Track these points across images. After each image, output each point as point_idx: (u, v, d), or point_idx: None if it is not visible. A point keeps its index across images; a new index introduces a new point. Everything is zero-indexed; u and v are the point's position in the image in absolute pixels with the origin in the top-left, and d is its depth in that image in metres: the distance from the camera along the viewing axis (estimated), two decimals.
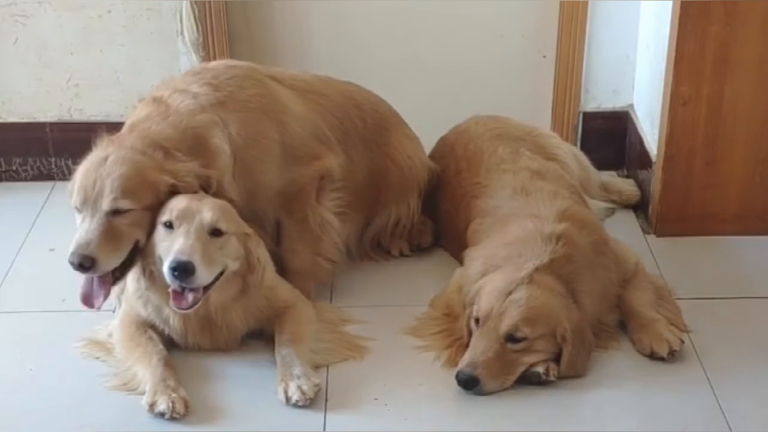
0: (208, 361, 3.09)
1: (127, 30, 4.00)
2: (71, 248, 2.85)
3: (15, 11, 3.98)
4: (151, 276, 2.96)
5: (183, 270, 2.78)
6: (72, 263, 2.85)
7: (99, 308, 2.97)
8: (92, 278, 2.92)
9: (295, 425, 2.84)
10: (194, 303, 2.86)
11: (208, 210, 2.87)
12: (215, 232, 2.87)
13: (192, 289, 2.84)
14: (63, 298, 3.39)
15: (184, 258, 2.78)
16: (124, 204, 2.88)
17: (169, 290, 2.87)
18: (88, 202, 2.89)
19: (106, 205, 2.87)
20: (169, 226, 2.87)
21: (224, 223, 2.89)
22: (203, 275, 2.82)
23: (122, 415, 2.89)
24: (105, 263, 2.87)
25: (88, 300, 2.94)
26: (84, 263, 2.84)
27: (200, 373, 3.04)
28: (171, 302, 2.88)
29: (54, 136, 4.14)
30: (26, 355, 3.14)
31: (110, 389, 2.98)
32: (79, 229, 2.90)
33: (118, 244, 2.89)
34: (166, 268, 2.81)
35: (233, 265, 2.94)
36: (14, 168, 4.19)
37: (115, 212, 2.88)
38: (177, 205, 2.88)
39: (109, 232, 2.87)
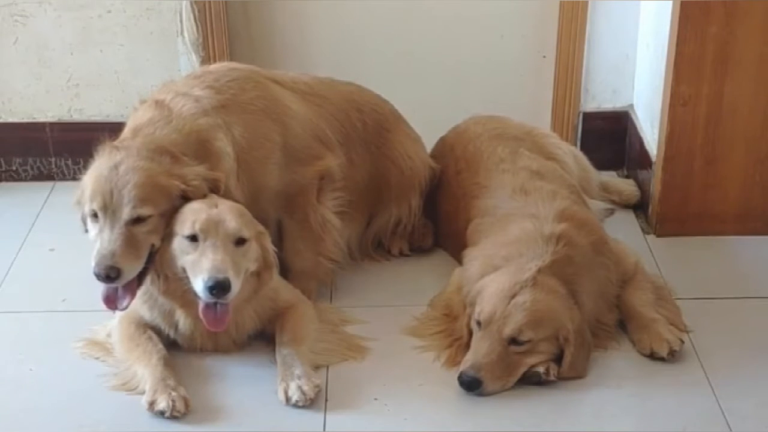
0: (208, 361, 3.09)
1: (127, 30, 4.00)
2: (95, 260, 2.85)
3: (15, 11, 3.98)
4: (166, 281, 2.96)
5: (221, 288, 2.79)
6: (98, 275, 2.85)
7: (124, 309, 2.98)
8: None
9: (295, 425, 2.84)
10: (227, 318, 2.88)
11: (230, 219, 2.87)
12: (240, 241, 2.88)
13: (223, 303, 2.85)
14: (63, 298, 3.40)
15: (221, 276, 2.79)
16: (144, 211, 2.88)
17: (200, 313, 2.87)
18: (106, 213, 2.89)
19: (126, 214, 2.87)
20: (193, 238, 2.86)
21: (246, 229, 2.90)
22: (236, 288, 2.83)
23: (122, 415, 2.89)
24: (129, 272, 2.88)
25: (111, 302, 2.94)
26: (110, 274, 2.85)
27: (200, 373, 3.04)
28: (206, 324, 2.88)
29: (54, 136, 4.14)
30: (26, 355, 3.14)
31: (110, 389, 2.98)
32: (98, 240, 2.90)
33: (139, 252, 2.89)
34: (201, 286, 2.80)
35: (252, 266, 2.94)
36: (14, 168, 4.19)
37: (134, 221, 2.88)
38: (198, 216, 2.87)
39: (130, 241, 2.87)
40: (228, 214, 2.89)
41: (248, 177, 3.15)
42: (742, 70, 3.53)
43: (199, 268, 2.83)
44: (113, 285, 2.90)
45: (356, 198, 3.49)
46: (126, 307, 2.96)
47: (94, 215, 2.92)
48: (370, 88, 3.66)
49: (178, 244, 2.89)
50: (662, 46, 3.65)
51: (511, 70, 4.20)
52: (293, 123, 3.27)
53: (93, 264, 2.85)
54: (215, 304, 2.85)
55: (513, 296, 2.95)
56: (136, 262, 2.89)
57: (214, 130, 3.08)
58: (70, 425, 2.86)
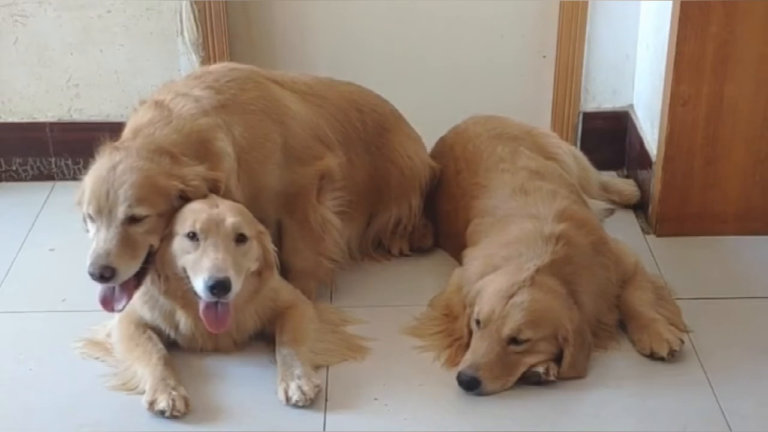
0: (208, 361, 3.09)
1: (127, 30, 4.00)
2: (90, 259, 2.85)
3: (15, 11, 3.98)
4: (167, 282, 2.96)
5: (222, 287, 2.78)
6: (92, 274, 2.85)
7: (120, 311, 2.98)
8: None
9: (295, 425, 2.85)
10: (228, 319, 2.88)
11: (230, 217, 2.87)
12: (240, 239, 2.88)
13: (223, 303, 2.85)
14: (63, 298, 3.40)
15: (221, 275, 2.78)
16: (140, 211, 2.88)
17: (201, 313, 2.86)
18: (103, 212, 2.89)
19: (121, 213, 2.87)
20: (193, 237, 2.86)
21: (246, 228, 2.90)
22: (237, 288, 2.83)
23: (122, 415, 2.89)
24: (124, 272, 2.87)
25: (107, 304, 2.94)
26: (104, 273, 2.84)
27: (200, 373, 3.05)
28: (206, 325, 2.88)
29: (54, 136, 4.14)
30: (26, 355, 3.14)
31: (110, 389, 2.98)
32: (95, 239, 2.90)
33: (136, 252, 2.89)
34: (202, 286, 2.80)
35: (253, 266, 2.94)
36: (14, 168, 4.19)
37: (130, 221, 2.88)
38: (198, 215, 2.87)
39: (126, 241, 2.87)
40: (228, 212, 2.89)
41: (248, 177, 3.15)
42: (742, 70, 3.53)
43: (199, 267, 2.83)
44: (108, 285, 2.90)
45: (356, 198, 3.49)
46: (122, 309, 2.96)
47: (94, 214, 2.92)
48: (370, 88, 3.66)
49: (179, 243, 2.89)
50: (662, 46, 3.65)
51: (511, 70, 4.20)
52: (293, 123, 3.27)
53: (88, 263, 2.85)
54: (216, 303, 2.84)
55: (511, 296, 2.95)
56: (132, 262, 2.89)
57: (214, 130, 3.08)
58: (70, 425, 2.86)
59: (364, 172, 3.53)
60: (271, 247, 3.01)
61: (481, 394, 2.92)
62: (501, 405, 2.91)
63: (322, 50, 4.15)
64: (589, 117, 4.18)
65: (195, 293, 2.86)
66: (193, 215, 2.88)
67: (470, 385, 2.91)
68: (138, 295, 3.03)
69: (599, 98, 4.17)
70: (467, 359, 2.95)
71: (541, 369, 2.96)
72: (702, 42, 3.50)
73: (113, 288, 2.92)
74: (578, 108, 4.16)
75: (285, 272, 3.26)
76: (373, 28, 4.14)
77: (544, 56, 4.15)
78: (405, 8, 4.11)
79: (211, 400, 2.94)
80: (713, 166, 3.67)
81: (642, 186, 3.93)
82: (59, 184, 4.14)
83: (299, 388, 2.88)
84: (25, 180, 4.20)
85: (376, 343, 3.18)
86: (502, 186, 3.39)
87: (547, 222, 3.14)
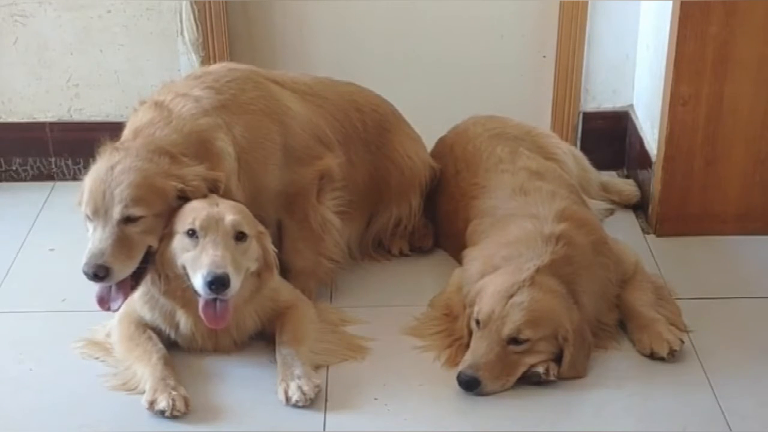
0: (208, 361, 3.09)
1: (127, 30, 4.00)
2: (85, 259, 2.85)
3: (15, 11, 3.98)
4: (167, 281, 2.96)
5: (220, 283, 2.78)
6: (86, 273, 2.85)
7: (116, 310, 2.98)
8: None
9: (295, 425, 2.85)
10: (227, 316, 2.87)
11: (230, 215, 2.87)
12: (239, 236, 2.88)
13: (222, 300, 2.85)
14: (63, 298, 3.40)
15: (220, 272, 2.78)
16: (135, 211, 2.88)
17: (200, 310, 2.86)
18: (99, 212, 2.89)
19: (117, 213, 2.87)
20: (192, 234, 2.87)
21: (246, 226, 2.90)
22: (236, 285, 2.83)
23: (122, 415, 2.89)
24: (119, 272, 2.88)
25: (104, 303, 2.94)
26: (99, 273, 2.85)
27: (200, 373, 3.05)
28: (205, 321, 2.88)
29: (54, 136, 4.14)
30: (26, 355, 3.14)
31: (110, 389, 2.98)
32: (91, 239, 2.90)
33: (132, 252, 2.89)
34: (200, 282, 2.80)
35: (253, 266, 2.94)
36: (14, 168, 4.19)
37: (126, 220, 2.88)
38: (198, 213, 2.87)
39: (122, 241, 2.87)
40: (228, 211, 2.89)
41: (248, 177, 3.15)
42: (742, 70, 3.54)
43: (198, 264, 2.83)
44: (104, 284, 2.90)
45: (356, 198, 3.49)
46: (118, 308, 2.96)
47: (91, 215, 2.92)
48: (370, 88, 3.66)
49: (179, 241, 2.90)
50: (662, 46, 3.65)
51: (511, 70, 4.20)
52: (293, 123, 3.27)
53: (83, 262, 2.86)
54: (215, 300, 2.85)
55: (511, 296, 2.95)
56: (128, 261, 2.89)
57: (214, 130, 3.08)
58: (70, 425, 2.86)
59: (364, 172, 3.53)
60: (271, 247, 3.01)
61: (481, 394, 2.92)
62: (501, 405, 2.91)
63: (322, 50, 4.15)
64: (589, 117, 4.18)
65: (195, 291, 2.86)
66: (193, 213, 2.88)
67: (470, 385, 2.91)
68: (138, 295, 3.03)
69: (599, 98, 4.17)
70: (467, 359, 2.95)
71: (541, 369, 2.96)
72: (702, 42, 3.50)
73: (110, 287, 2.93)
74: (578, 108, 4.16)
75: (285, 272, 3.26)
76: (373, 28, 4.14)
77: (544, 56, 4.16)
78: (405, 8, 4.11)
79: (211, 400, 2.94)
80: (713, 166, 3.67)
81: (642, 186, 3.94)
82: (59, 184, 4.15)
83: (299, 388, 2.88)
84: (25, 180, 4.20)
85: (376, 343, 3.18)
86: (502, 186, 3.39)
87: (547, 222, 3.14)
